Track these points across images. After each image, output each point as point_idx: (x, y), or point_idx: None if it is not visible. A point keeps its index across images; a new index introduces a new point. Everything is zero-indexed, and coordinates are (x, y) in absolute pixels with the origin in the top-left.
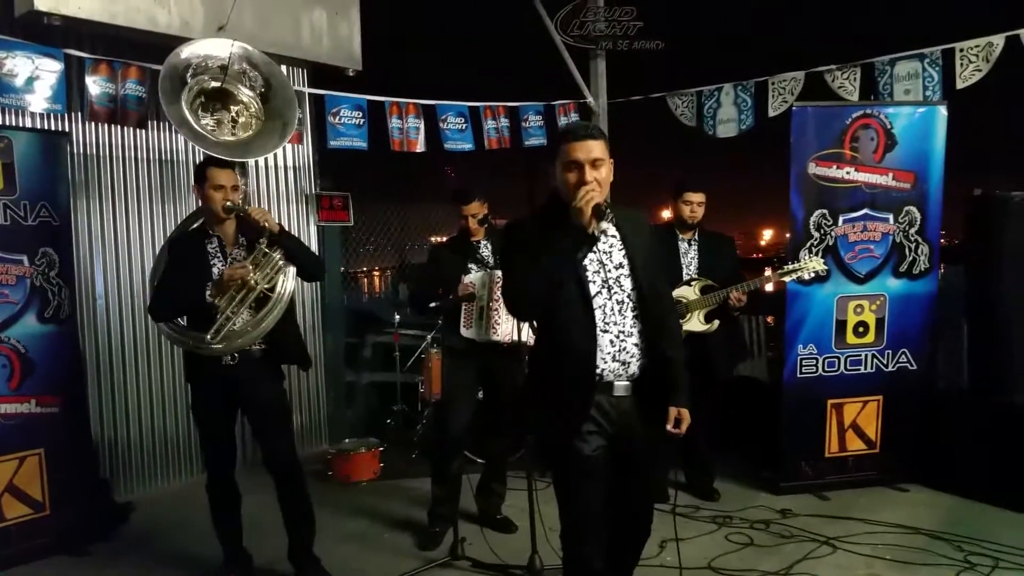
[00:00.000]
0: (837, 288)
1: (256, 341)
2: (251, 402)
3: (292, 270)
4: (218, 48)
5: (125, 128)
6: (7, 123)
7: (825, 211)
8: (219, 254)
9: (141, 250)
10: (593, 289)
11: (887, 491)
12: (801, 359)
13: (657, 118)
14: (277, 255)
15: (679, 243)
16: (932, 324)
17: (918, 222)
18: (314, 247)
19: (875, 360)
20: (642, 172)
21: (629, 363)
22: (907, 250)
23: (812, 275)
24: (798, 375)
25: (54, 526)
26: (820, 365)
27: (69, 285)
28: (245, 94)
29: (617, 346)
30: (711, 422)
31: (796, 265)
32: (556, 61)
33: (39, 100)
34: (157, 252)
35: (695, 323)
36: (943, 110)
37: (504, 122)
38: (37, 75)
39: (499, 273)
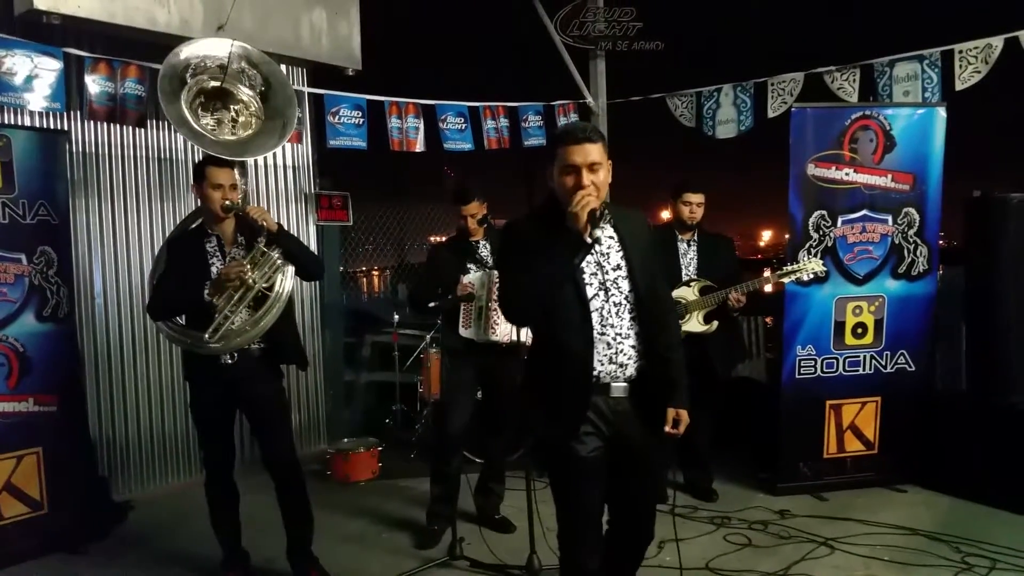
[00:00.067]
0: (836, 289)
1: (254, 340)
2: (250, 401)
3: (291, 269)
4: (217, 48)
5: (124, 127)
6: (6, 121)
7: (824, 212)
8: (218, 253)
9: (140, 249)
10: (590, 291)
11: (885, 492)
12: (800, 360)
13: (657, 119)
14: (275, 254)
15: (678, 244)
16: (931, 325)
17: (917, 223)
18: (313, 246)
19: (873, 361)
20: (642, 173)
21: (626, 365)
22: (906, 251)
23: (811, 276)
24: (797, 376)
25: (52, 525)
26: (819, 366)
27: (67, 284)
28: (245, 93)
29: (614, 348)
30: (710, 423)
31: (795, 266)
32: (556, 61)
33: (38, 99)
34: (156, 251)
35: (694, 324)
36: (942, 111)
37: (504, 122)
38: (36, 73)
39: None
